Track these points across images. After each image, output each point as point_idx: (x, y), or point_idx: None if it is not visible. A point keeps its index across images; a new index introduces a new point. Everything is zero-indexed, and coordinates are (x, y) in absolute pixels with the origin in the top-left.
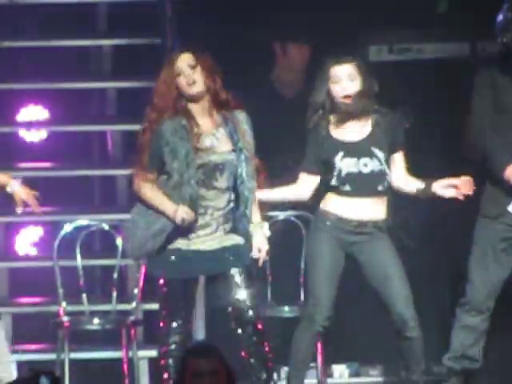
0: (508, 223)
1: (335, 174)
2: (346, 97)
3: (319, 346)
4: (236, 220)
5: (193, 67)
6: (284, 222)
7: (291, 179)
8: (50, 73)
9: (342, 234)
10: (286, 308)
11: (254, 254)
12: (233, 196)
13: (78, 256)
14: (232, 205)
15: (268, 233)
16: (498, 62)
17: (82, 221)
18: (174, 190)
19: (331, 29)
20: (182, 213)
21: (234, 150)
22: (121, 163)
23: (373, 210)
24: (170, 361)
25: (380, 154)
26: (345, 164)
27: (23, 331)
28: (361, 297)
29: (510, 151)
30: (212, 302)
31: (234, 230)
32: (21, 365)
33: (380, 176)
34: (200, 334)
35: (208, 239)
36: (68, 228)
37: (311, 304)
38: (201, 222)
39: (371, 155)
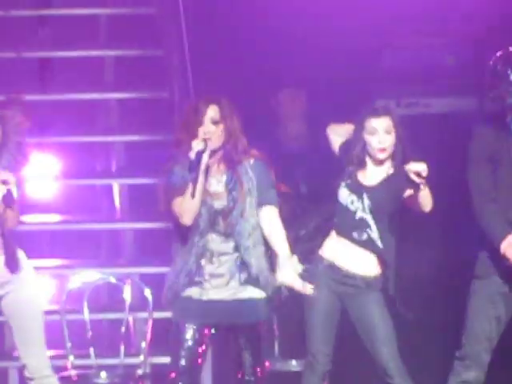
0: (506, 279)
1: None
2: (381, 150)
3: None
4: (244, 268)
5: (216, 123)
6: None
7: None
8: (56, 126)
9: (330, 281)
10: (293, 362)
11: (283, 291)
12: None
13: (86, 310)
14: (238, 253)
15: (299, 266)
16: (491, 122)
17: (90, 274)
18: None
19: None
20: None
21: (228, 195)
22: (128, 217)
23: (362, 261)
24: None
25: (366, 202)
26: (346, 198)
27: None
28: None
29: (507, 222)
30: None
31: (249, 281)
32: None
33: (362, 223)
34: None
35: (222, 290)
36: (75, 281)
37: (310, 354)
38: (211, 269)
39: (361, 196)
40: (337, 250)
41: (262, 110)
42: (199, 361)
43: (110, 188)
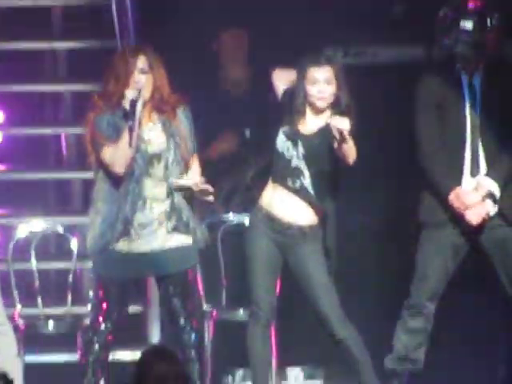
0: (454, 229)
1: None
2: (321, 98)
3: (273, 348)
4: (173, 215)
5: (145, 73)
6: (237, 226)
7: None
8: (4, 75)
9: (268, 231)
10: (241, 311)
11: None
12: (173, 193)
13: (33, 259)
14: (173, 198)
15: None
16: (439, 70)
17: (37, 224)
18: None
19: (287, 33)
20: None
21: (167, 138)
22: (76, 166)
23: (297, 211)
24: (90, 362)
25: (301, 150)
26: (282, 144)
27: None
28: None
29: (454, 173)
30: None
31: (177, 228)
32: None
33: (296, 171)
34: (155, 336)
35: (151, 239)
36: (23, 231)
37: (253, 303)
38: (142, 218)
39: (296, 144)
40: (273, 199)
41: (203, 53)
42: (123, 310)
43: (58, 138)
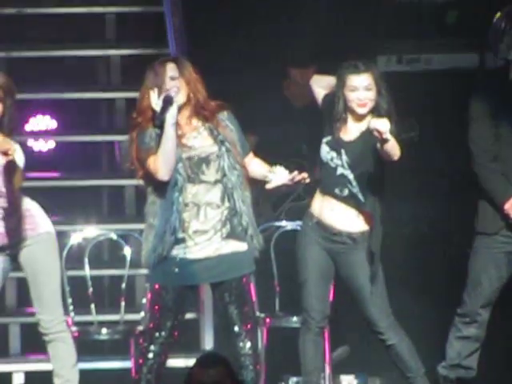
0: (509, 237)
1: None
2: (361, 105)
3: (326, 355)
4: (231, 220)
5: (174, 79)
6: (291, 232)
7: None
8: (58, 83)
9: (319, 238)
10: (295, 318)
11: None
12: (228, 198)
13: (87, 266)
14: (228, 204)
15: (284, 171)
16: (493, 78)
17: (91, 231)
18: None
19: (342, 39)
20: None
21: (215, 143)
22: (129, 173)
23: (346, 218)
24: (145, 371)
25: (344, 158)
26: (326, 155)
27: (32, 341)
28: None
29: (509, 182)
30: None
31: (232, 234)
32: (30, 375)
33: (343, 179)
34: (209, 343)
35: (204, 246)
36: (76, 238)
37: (304, 311)
38: (197, 226)
39: (339, 153)
40: (322, 207)
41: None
42: (179, 318)
43: (111, 145)
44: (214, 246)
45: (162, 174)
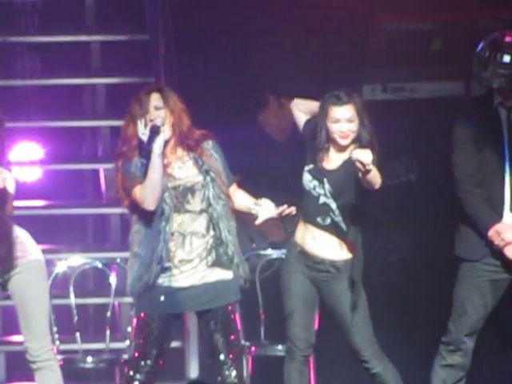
0: (494, 264)
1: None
2: (344, 136)
3: (312, 380)
4: (217, 249)
5: (159, 109)
6: (278, 261)
7: None
8: (43, 111)
9: (303, 267)
10: (280, 346)
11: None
12: (213, 227)
13: (72, 294)
14: (213, 233)
15: (270, 204)
16: (477, 105)
17: (76, 259)
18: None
19: (327, 68)
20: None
21: (200, 173)
22: (114, 202)
23: (329, 246)
24: None
25: (327, 187)
26: (308, 183)
27: (16, 369)
28: None
29: (493, 208)
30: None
31: (218, 263)
32: None
33: (325, 207)
34: (193, 372)
35: (190, 274)
36: (62, 266)
37: (288, 340)
38: (182, 255)
39: (322, 183)
40: (304, 236)
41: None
42: (164, 346)
43: (96, 173)
44: (199, 274)
45: (149, 203)
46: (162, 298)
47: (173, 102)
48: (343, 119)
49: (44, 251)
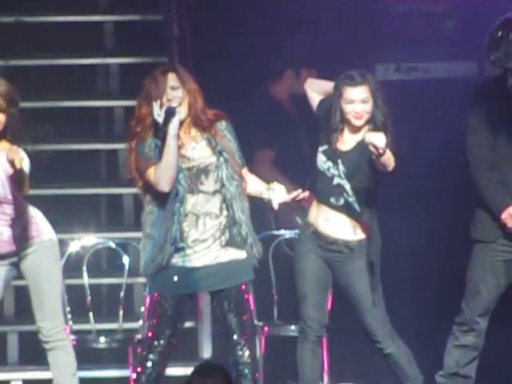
0: (507, 245)
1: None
2: (358, 117)
3: (325, 364)
4: (230, 229)
5: (176, 89)
6: (289, 241)
7: None
8: (57, 91)
9: (316, 247)
10: (293, 327)
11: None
12: (226, 208)
13: (85, 274)
14: (227, 213)
15: (282, 189)
16: (491, 86)
17: (89, 239)
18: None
19: (340, 48)
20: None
21: (214, 154)
22: (127, 182)
23: (342, 226)
24: (143, 379)
25: (341, 168)
26: (323, 164)
27: (30, 350)
28: None
29: (507, 190)
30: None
31: (231, 243)
32: (28, 383)
33: (339, 188)
34: (207, 352)
35: (203, 254)
36: (75, 246)
37: (301, 320)
38: (196, 235)
39: (336, 163)
40: (317, 216)
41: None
42: (177, 326)
43: (110, 153)
44: (212, 254)
45: (164, 185)
46: (176, 278)
47: (188, 82)
48: (357, 100)
49: (57, 231)
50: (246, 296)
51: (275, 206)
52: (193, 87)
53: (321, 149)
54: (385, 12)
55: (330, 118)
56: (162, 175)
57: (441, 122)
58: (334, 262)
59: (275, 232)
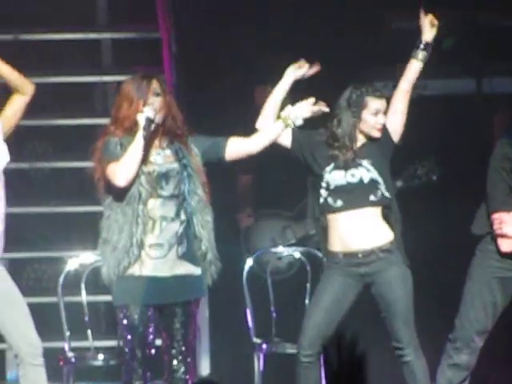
0: (505, 262)
1: (324, 186)
2: (380, 129)
3: (323, 381)
4: (190, 244)
5: (158, 95)
6: (289, 259)
7: None
8: (54, 109)
9: (352, 268)
10: (291, 344)
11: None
12: (183, 213)
13: (83, 292)
14: (183, 218)
15: (297, 107)
16: None
17: (87, 257)
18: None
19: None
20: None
21: (177, 163)
22: None
23: (374, 232)
24: None
25: (365, 163)
26: (332, 177)
27: None
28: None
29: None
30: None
31: (189, 257)
32: None
33: (370, 185)
34: (204, 369)
35: (159, 263)
36: (73, 264)
37: (298, 345)
38: (152, 240)
39: (357, 165)
40: (343, 239)
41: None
42: (150, 339)
43: None
44: (168, 264)
45: (121, 179)
46: (135, 289)
47: (168, 93)
48: (381, 111)
49: (56, 248)
50: (194, 313)
51: (300, 122)
52: (171, 99)
53: (328, 169)
54: (383, 30)
55: (316, 142)
56: (122, 168)
57: (439, 138)
58: (374, 272)
59: (273, 249)
